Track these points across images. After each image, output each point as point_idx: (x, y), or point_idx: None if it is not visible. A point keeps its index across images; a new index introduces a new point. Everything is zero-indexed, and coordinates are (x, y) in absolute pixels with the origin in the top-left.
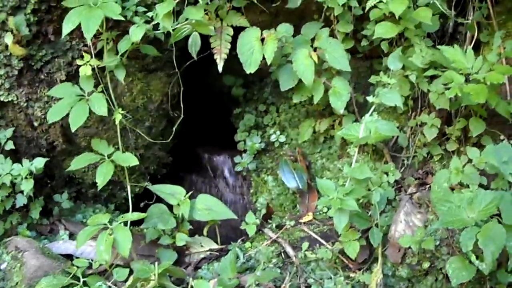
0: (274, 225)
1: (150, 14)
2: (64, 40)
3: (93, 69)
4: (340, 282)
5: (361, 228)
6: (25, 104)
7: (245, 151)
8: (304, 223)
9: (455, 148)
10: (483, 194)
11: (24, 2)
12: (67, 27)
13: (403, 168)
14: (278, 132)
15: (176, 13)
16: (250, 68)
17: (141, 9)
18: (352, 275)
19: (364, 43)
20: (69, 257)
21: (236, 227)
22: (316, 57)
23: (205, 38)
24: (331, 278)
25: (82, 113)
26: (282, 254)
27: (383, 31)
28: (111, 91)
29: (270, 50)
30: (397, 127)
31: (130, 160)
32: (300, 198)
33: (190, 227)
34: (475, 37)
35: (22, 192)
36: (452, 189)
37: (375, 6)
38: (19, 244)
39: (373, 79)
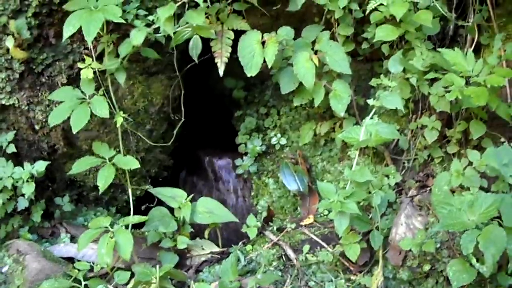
0: (275, 228)
1: (151, 17)
2: (65, 43)
3: (94, 72)
4: (341, 285)
5: (361, 230)
6: (26, 108)
7: (246, 153)
8: (305, 225)
9: (456, 150)
10: (483, 196)
11: (25, 6)
12: (68, 30)
13: (403, 171)
14: (279, 135)
15: (177, 16)
16: (251, 71)
17: (142, 12)
18: (353, 277)
19: (364, 46)
20: (70, 260)
21: (237, 229)
22: (316, 60)
23: (206, 41)
24: (332, 280)
25: (84, 115)
26: (283, 256)
27: (384, 34)
28: (112, 94)
29: (270, 53)
30: (398, 130)
31: (131, 163)
32: (301, 200)
33: (191, 230)
34: (475, 40)
35: (23, 195)
36: (453, 191)
37: (375, 9)
38: (21, 247)
39: (373, 82)
